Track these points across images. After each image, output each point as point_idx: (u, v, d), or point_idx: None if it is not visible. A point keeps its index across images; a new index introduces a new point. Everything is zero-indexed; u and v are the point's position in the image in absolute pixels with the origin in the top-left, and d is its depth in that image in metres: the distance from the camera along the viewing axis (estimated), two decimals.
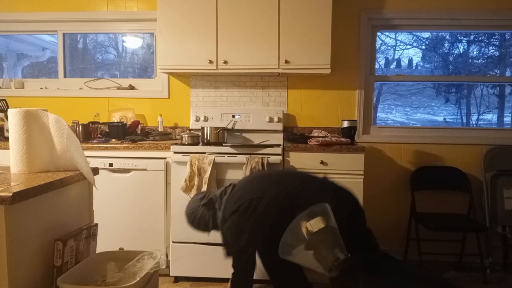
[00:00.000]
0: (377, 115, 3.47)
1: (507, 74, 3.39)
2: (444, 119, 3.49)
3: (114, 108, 3.39)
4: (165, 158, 2.73)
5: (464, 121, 3.47)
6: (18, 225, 1.31)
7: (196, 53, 2.94)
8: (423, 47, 3.51)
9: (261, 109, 3.24)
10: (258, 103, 3.31)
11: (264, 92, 3.30)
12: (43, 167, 1.62)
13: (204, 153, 2.66)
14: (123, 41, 3.64)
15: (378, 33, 3.35)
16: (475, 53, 3.45)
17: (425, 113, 3.54)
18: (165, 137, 3.13)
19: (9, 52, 3.76)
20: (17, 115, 1.55)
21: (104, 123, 3.11)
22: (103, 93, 3.42)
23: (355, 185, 2.66)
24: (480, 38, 3.44)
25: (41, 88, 3.50)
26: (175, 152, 2.68)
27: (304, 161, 2.69)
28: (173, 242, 2.69)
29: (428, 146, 3.23)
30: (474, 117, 3.47)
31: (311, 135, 2.99)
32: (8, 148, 1.83)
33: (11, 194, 1.21)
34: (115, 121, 3.26)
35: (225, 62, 2.92)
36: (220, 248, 2.15)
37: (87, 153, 2.64)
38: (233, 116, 3.20)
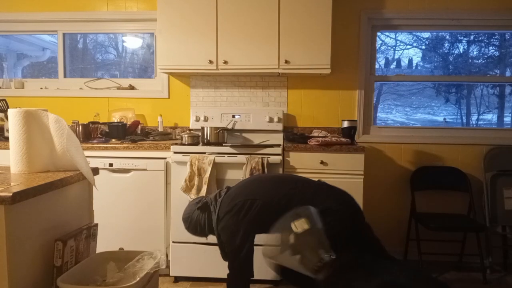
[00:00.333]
0: (377, 115, 3.47)
1: (507, 74, 3.39)
2: (444, 119, 3.49)
3: (114, 108, 3.39)
4: (165, 158, 2.73)
5: (464, 121, 3.47)
6: (18, 225, 1.31)
7: (196, 53, 2.94)
8: (423, 47, 3.51)
9: (261, 109, 3.24)
10: (258, 103, 3.31)
11: (264, 92, 3.30)
12: (43, 167, 1.62)
13: (204, 153, 2.66)
14: (123, 41, 3.64)
15: (378, 33, 3.35)
16: (475, 53, 3.45)
17: (425, 113, 3.54)
18: (165, 137, 3.13)
19: (9, 52, 3.76)
20: (17, 115, 1.55)
21: (104, 123, 3.11)
22: (103, 93, 3.42)
23: (355, 185, 2.67)
24: (480, 38, 3.44)
25: (41, 88, 3.50)
26: (175, 152, 2.68)
27: (304, 161, 2.69)
28: (173, 242, 2.69)
29: (428, 146, 3.23)
30: (474, 117, 3.47)
31: (311, 135, 3.00)
32: (8, 148, 1.82)
33: (11, 194, 1.21)
34: (115, 121, 3.26)
35: (225, 62, 2.92)
36: None
37: (87, 153, 2.63)
38: (233, 116, 3.20)
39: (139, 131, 3.18)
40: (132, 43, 3.61)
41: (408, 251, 3.18)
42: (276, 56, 2.90)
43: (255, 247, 2.04)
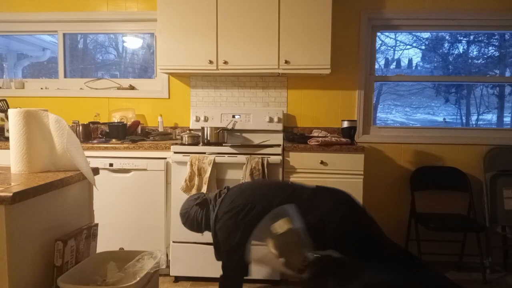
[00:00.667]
0: (377, 115, 3.47)
1: (507, 74, 3.39)
2: (444, 119, 3.49)
3: (114, 108, 3.39)
4: (165, 158, 2.73)
5: (464, 121, 3.47)
6: (18, 225, 1.31)
7: (196, 53, 2.94)
8: (423, 47, 3.51)
9: (261, 109, 3.24)
10: (258, 103, 3.31)
11: (264, 92, 3.31)
12: (43, 167, 1.62)
13: (204, 153, 2.66)
14: (123, 41, 3.65)
15: (378, 33, 3.35)
16: (474, 53, 3.45)
17: (425, 113, 3.54)
18: (165, 137, 3.14)
19: (9, 52, 3.76)
20: (17, 115, 1.55)
21: (104, 123, 3.11)
22: (103, 93, 3.43)
23: (355, 185, 2.67)
24: (480, 38, 3.44)
25: (41, 88, 3.50)
26: (175, 152, 2.68)
27: (304, 161, 2.70)
28: (173, 242, 2.69)
29: (428, 146, 3.23)
30: (474, 117, 3.47)
31: (311, 135, 3.00)
32: (8, 148, 1.83)
33: (11, 194, 1.21)
34: (115, 121, 3.26)
35: (225, 62, 2.92)
36: None
37: (87, 153, 2.64)
38: (233, 116, 3.21)
39: (139, 131, 3.18)
40: (132, 43, 3.61)
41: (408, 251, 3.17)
42: (276, 56, 2.90)
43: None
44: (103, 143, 2.83)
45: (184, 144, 2.80)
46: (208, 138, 2.88)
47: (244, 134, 3.23)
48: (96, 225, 1.76)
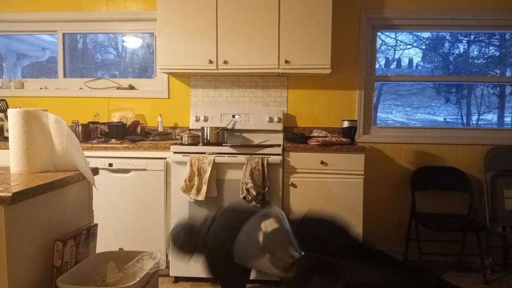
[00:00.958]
0: (377, 115, 3.46)
1: (508, 74, 3.39)
2: (445, 119, 3.49)
3: (114, 108, 3.39)
4: (165, 158, 2.72)
5: (465, 121, 3.47)
6: (18, 225, 1.31)
7: (196, 53, 2.93)
8: (423, 47, 3.51)
9: (261, 109, 3.24)
10: (258, 103, 3.31)
11: (264, 92, 3.30)
12: (43, 167, 1.61)
13: (204, 153, 2.65)
14: (123, 41, 3.64)
15: (378, 33, 3.35)
16: (475, 53, 3.45)
17: (425, 113, 3.54)
18: (165, 137, 3.13)
19: (9, 52, 3.75)
20: (17, 115, 1.55)
21: (104, 123, 3.11)
22: (103, 93, 3.42)
23: (355, 185, 2.67)
24: (481, 38, 3.44)
25: (41, 88, 3.50)
26: (175, 152, 2.68)
27: (304, 161, 2.69)
28: None
29: (428, 146, 3.23)
30: (474, 117, 3.47)
31: (311, 135, 2.99)
32: (8, 148, 1.82)
33: (11, 194, 1.21)
34: (115, 121, 3.25)
35: (225, 62, 2.92)
36: None
37: (87, 153, 2.64)
38: (233, 116, 3.20)
39: (139, 131, 3.18)
40: (132, 43, 3.61)
41: (408, 251, 3.17)
42: (276, 56, 2.90)
43: None
44: (103, 143, 2.82)
45: (184, 144, 2.79)
46: (208, 138, 2.87)
47: (244, 134, 3.22)
48: (96, 225, 1.75)
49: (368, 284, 1.50)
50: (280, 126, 3.17)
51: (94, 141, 2.90)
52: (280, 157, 2.62)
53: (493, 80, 3.40)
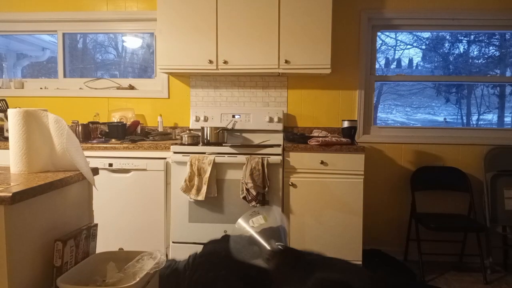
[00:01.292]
0: (377, 115, 3.46)
1: (508, 74, 3.39)
2: (445, 119, 3.49)
3: (114, 108, 3.39)
4: (165, 158, 2.72)
5: (465, 121, 3.47)
6: (18, 225, 1.31)
7: (196, 53, 2.93)
8: (423, 47, 3.51)
9: (261, 109, 3.24)
10: (258, 103, 3.31)
11: (264, 92, 3.30)
12: (43, 167, 1.61)
13: (204, 153, 2.65)
14: (123, 41, 3.64)
15: (378, 33, 3.35)
16: (475, 53, 3.45)
17: (426, 113, 3.54)
18: (165, 137, 3.13)
19: (9, 52, 3.75)
20: (16, 115, 1.55)
21: (104, 123, 3.11)
22: (103, 93, 3.42)
23: (355, 185, 2.67)
24: (481, 38, 3.44)
25: (41, 88, 3.50)
26: (175, 152, 2.68)
27: (304, 161, 2.69)
28: (173, 242, 2.69)
29: (428, 146, 3.23)
30: (474, 117, 3.47)
31: (311, 135, 2.99)
32: (8, 148, 1.82)
33: (11, 194, 1.20)
34: (115, 121, 3.25)
35: (225, 62, 2.92)
36: None
37: (87, 153, 2.64)
38: (233, 116, 3.20)
39: (139, 131, 3.18)
40: (132, 43, 3.61)
41: (408, 251, 3.17)
42: (276, 56, 2.90)
43: None
44: (103, 143, 2.82)
45: (184, 144, 2.79)
46: (208, 138, 2.87)
47: (244, 134, 3.22)
48: (96, 225, 1.75)
49: (340, 281, 1.51)
50: (280, 126, 3.17)
51: (94, 141, 2.90)
52: (280, 157, 2.62)
53: (493, 80, 3.40)
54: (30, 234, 1.38)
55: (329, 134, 3.00)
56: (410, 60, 3.52)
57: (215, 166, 2.61)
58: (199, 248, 2.66)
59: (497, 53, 3.41)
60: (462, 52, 3.45)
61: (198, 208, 2.66)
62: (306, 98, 3.29)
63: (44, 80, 3.62)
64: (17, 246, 1.30)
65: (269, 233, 1.65)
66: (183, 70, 3.00)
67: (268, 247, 1.60)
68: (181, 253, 2.68)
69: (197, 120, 3.21)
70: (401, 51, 3.52)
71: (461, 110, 3.48)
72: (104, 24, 3.42)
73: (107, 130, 3.01)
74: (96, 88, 3.45)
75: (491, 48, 3.44)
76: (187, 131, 3.08)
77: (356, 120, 3.02)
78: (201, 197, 2.58)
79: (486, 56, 3.44)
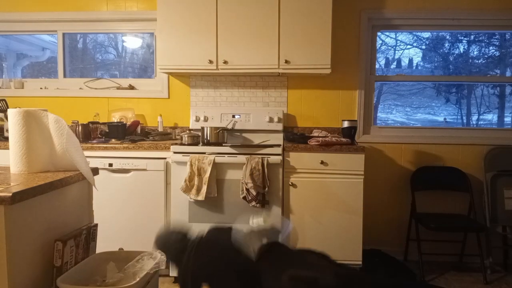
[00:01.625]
0: (377, 115, 3.46)
1: (508, 74, 3.39)
2: (445, 119, 3.49)
3: (114, 108, 3.39)
4: (165, 158, 2.72)
5: (465, 121, 3.47)
6: (18, 225, 1.30)
7: (196, 53, 2.93)
8: (423, 47, 3.51)
9: (261, 109, 3.24)
10: (258, 103, 3.31)
11: (264, 92, 3.30)
12: (43, 167, 1.61)
13: (204, 153, 2.65)
14: (123, 41, 3.64)
15: (378, 33, 3.35)
16: (475, 53, 3.45)
17: (425, 113, 3.54)
18: (165, 137, 3.13)
19: (9, 52, 3.75)
20: (16, 115, 1.55)
21: (104, 123, 3.11)
22: (103, 93, 3.42)
23: (355, 185, 2.67)
24: (481, 38, 3.44)
25: (41, 88, 3.50)
26: (175, 152, 2.68)
27: (304, 161, 2.69)
28: None
29: (428, 146, 3.23)
30: (474, 117, 3.47)
31: (311, 135, 2.99)
32: (8, 148, 1.82)
33: (10, 194, 1.20)
34: (115, 121, 3.25)
35: (225, 62, 2.92)
36: None
37: (87, 153, 2.64)
38: (233, 116, 3.20)
39: (139, 131, 3.18)
40: (132, 43, 3.61)
41: (408, 251, 3.17)
42: (276, 56, 2.90)
43: None
44: (103, 143, 2.82)
45: (184, 144, 2.79)
46: (208, 138, 2.87)
47: (244, 134, 3.22)
48: (96, 225, 1.75)
49: (312, 278, 1.51)
50: (280, 126, 3.17)
51: (94, 141, 2.90)
52: (280, 157, 2.62)
53: (493, 80, 3.40)
54: (30, 234, 1.38)
55: (329, 134, 3.00)
56: (410, 60, 3.52)
57: (215, 166, 2.61)
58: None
59: (497, 53, 3.41)
60: (462, 52, 3.45)
61: (198, 208, 2.66)
62: (306, 98, 3.29)
63: (44, 80, 3.62)
64: (17, 246, 1.30)
65: (263, 230, 1.67)
66: (183, 70, 3.00)
67: (258, 243, 1.63)
68: None
69: (197, 120, 3.21)
70: (401, 51, 3.53)
71: (461, 110, 3.48)
72: (104, 24, 3.42)
73: (107, 130, 3.01)
74: (96, 88, 3.45)
75: (491, 48, 3.45)
76: (187, 131, 3.08)
77: (356, 120, 3.02)
78: (201, 197, 2.58)
79: (486, 56, 3.44)
